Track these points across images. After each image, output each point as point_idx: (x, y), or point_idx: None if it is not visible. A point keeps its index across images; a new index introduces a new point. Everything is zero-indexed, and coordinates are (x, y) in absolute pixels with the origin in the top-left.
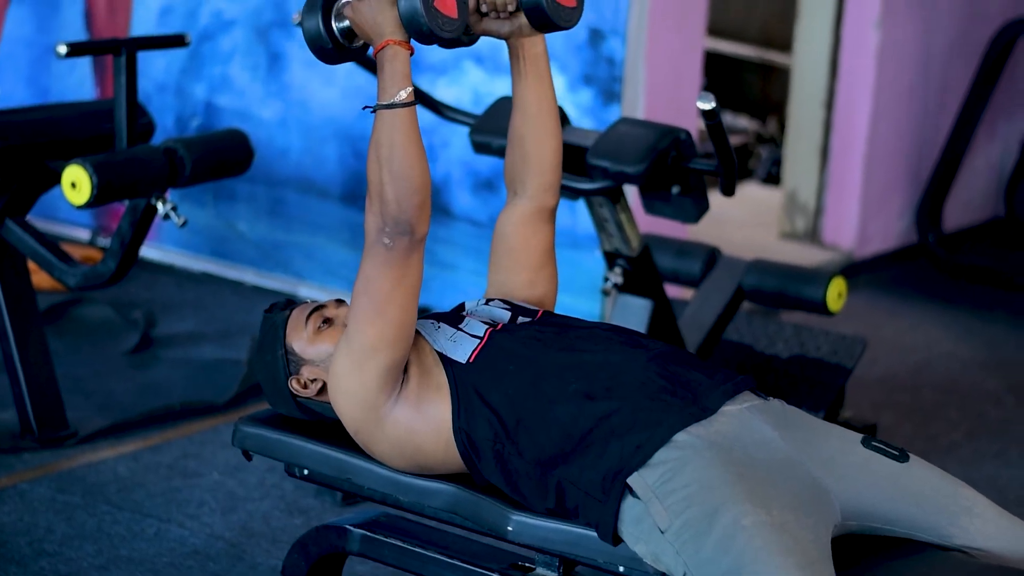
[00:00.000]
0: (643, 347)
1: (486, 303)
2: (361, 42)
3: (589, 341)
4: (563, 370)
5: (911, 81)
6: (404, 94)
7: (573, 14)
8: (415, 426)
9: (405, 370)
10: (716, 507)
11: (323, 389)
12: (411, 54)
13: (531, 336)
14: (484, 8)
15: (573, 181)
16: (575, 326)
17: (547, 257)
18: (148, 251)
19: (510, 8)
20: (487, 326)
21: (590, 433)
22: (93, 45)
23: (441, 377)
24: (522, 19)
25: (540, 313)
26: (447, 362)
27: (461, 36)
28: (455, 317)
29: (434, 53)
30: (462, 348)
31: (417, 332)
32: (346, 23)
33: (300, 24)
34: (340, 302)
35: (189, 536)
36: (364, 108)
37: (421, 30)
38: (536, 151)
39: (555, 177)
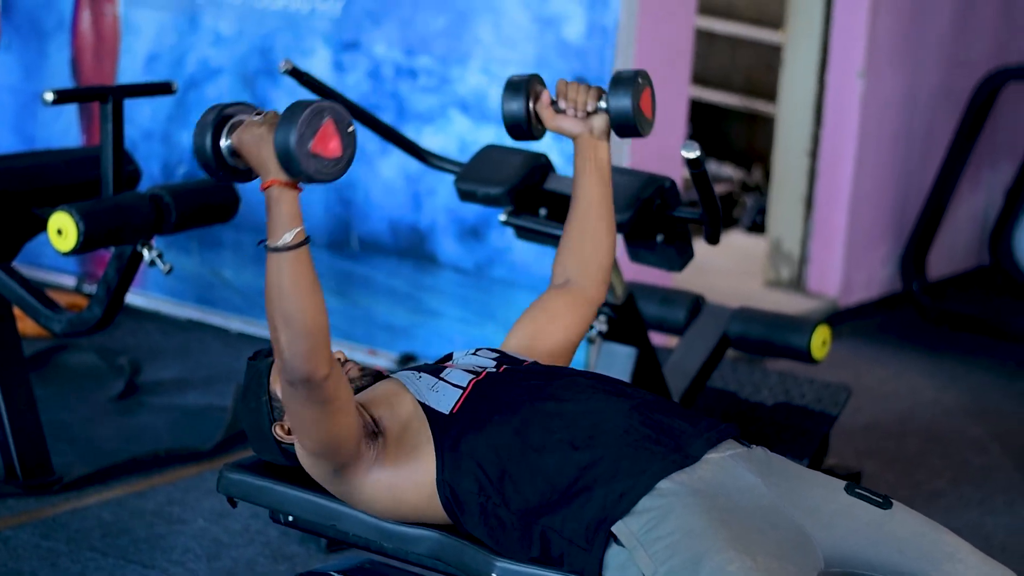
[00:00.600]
0: (626, 396)
1: (475, 352)
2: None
3: (572, 390)
4: (547, 419)
5: (895, 130)
6: (290, 236)
7: (650, 125)
8: (394, 482)
9: (383, 431)
10: (701, 554)
11: None
12: (299, 192)
13: (515, 385)
14: (563, 106)
15: (558, 229)
16: (559, 375)
17: (569, 348)
18: (134, 298)
19: (589, 109)
20: (471, 375)
21: (575, 483)
22: (79, 92)
23: (424, 430)
24: (595, 121)
25: (527, 362)
26: (430, 413)
27: (532, 131)
28: (437, 368)
29: (421, 101)
30: (445, 399)
31: (399, 384)
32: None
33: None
34: None
35: None
36: (258, 244)
37: (298, 175)
38: (592, 250)
39: (605, 274)
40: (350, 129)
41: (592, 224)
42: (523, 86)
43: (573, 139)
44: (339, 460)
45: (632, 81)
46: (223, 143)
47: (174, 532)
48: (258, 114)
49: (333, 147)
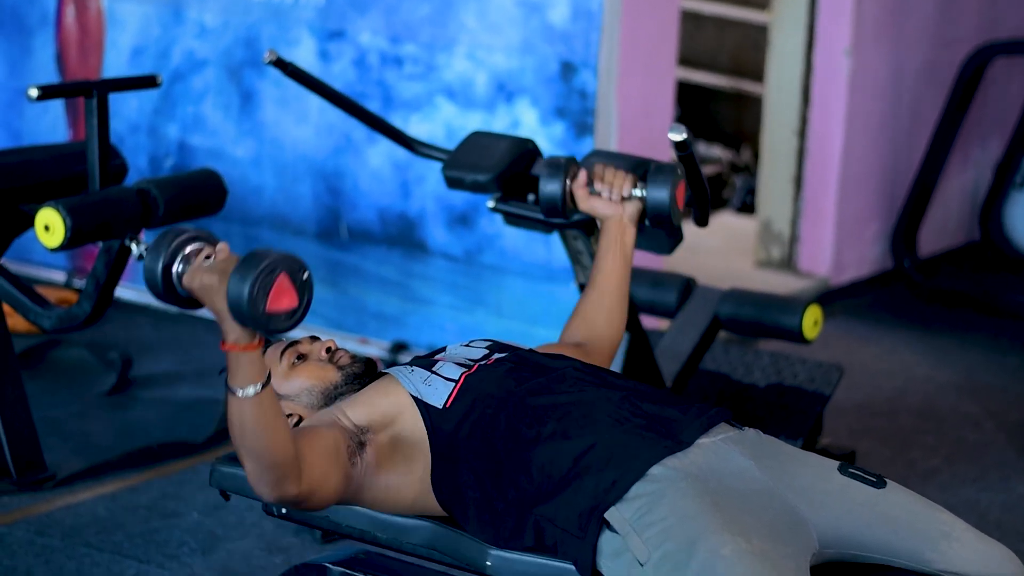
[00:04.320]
0: (616, 386)
1: (467, 344)
2: None
3: (564, 382)
4: (539, 411)
5: (883, 107)
6: (252, 390)
7: (681, 216)
8: (391, 484)
9: (367, 439)
10: (694, 538)
11: (299, 423)
12: (260, 347)
13: (506, 376)
14: (599, 188)
15: None
16: (549, 366)
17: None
18: (124, 292)
19: (625, 195)
20: (462, 368)
21: (568, 472)
22: (64, 87)
23: (418, 424)
24: (629, 206)
25: (521, 350)
26: (424, 407)
27: (565, 211)
28: (429, 361)
29: (407, 88)
30: (437, 392)
31: (393, 378)
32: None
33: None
34: (314, 338)
35: None
36: (220, 373)
37: (256, 330)
38: (605, 325)
39: (615, 349)
40: (304, 276)
41: (608, 302)
42: (562, 167)
43: (602, 220)
44: (339, 501)
45: (672, 173)
46: (175, 270)
47: (169, 526)
48: (208, 256)
49: (288, 301)
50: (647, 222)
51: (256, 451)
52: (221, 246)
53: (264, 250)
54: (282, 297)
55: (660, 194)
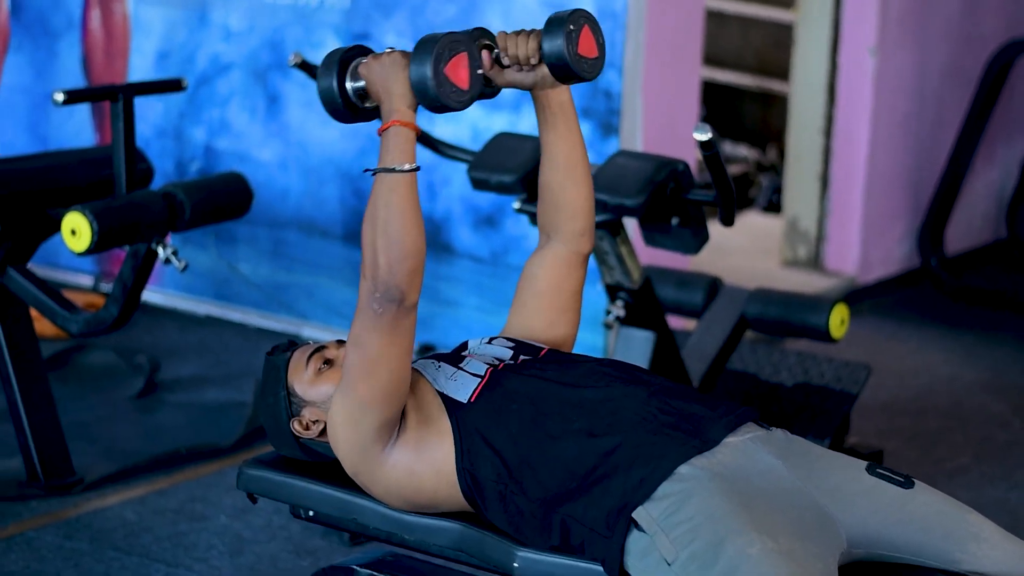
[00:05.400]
0: (644, 383)
1: (489, 341)
2: (375, 103)
3: (590, 378)
4: (565, 408)
5: (909, 105)
6: (408, 165)
7: (595, 65)
8: (415, 468)
9: (404, 414)
10: (722, 537)
11: (325, 430)
12: (417, 134)
13: (533, 374)
14: (506, 61)
15: None
16: (576, 362)
17: (573, 300)
18: (151, 296)
19: (532, 61)
20: (488, 365)
21: (594, 470)
22: (90, 92)
23: (443, 418)
24: (544, 70)
25: (544, 351)
26: (448, 402)
27: (483, 90)
28: (456, 357)
29: None
30: (463, 388)
31: (418, 372)
32: (361, 83)
33: (314, 78)
34: (341, 343)
35: None
36: (365, 171)
37: (430, 98)
38: (569, 199)
39: (589, 223)
40: (479, 71)
41: (566, 171)
42: (460, 46)
43: (532, 92)
44: (383, 415)
45: (564, 20)
46: (348, 85)
47: (197, 529)
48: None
49: (462, 76)
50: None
51: (398, 234)
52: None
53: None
54: (458, 69)
55: (555, 44)
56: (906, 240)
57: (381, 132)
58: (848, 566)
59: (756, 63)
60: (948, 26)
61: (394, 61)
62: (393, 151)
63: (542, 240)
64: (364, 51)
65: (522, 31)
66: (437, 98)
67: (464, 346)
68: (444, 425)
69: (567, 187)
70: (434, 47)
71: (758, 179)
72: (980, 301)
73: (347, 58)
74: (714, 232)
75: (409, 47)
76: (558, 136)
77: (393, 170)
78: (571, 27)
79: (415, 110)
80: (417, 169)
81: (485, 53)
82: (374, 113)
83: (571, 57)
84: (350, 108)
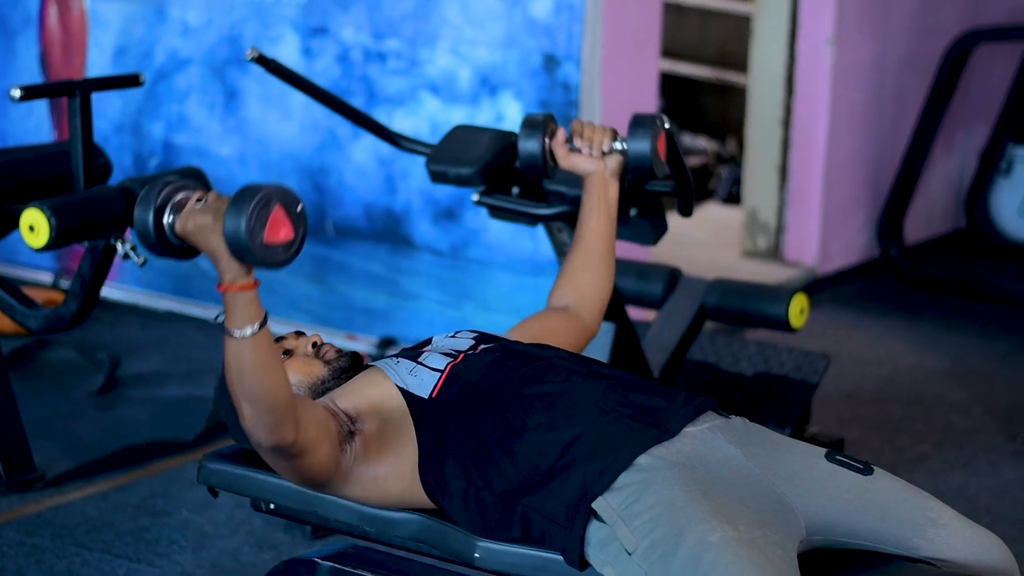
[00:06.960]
0: (602, 376)
1: (454, 335)
2: None
3: (549, 372)
4: (526, 402)
5: (867, 96)
6: (249, 330)
7: (663, 167)
8: (378, 475)
9: (362, 419)
10: (682, 526)
11: None
12: (256, 287)
13: (492, 366)
14: (578, 144)
15: (531, 207)
16: (536, 355)
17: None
18: (110, 292)
19: (605, 149)
20: (448, 358)
21: (555, 463)
22: (47, 88)
23: (405, 416)
24: (609, 161)
25: (507, 340)
26: (410, 398)
27: (546, 169)
28: (416, 352)
29: (391, 84)
30: (423, 383)
31: (379, 371)
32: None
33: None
34: (299, 333)
35: (160, 575)
36: (215, 319)
37: (259, 265)
38: (592, 283)
39: (604, 308)
40: (299, 208)
41: (595, 260)
42: (540, 124)
43: (584, 177)
44: (324, 481)
45: (651, 124)
46: (166, 220)
47: (158, 524)
48: (200, 199)
49: (285, 233)
50: (629, 176)
51: (254, 394)
52: (211, 192)
53: (255, 184)
54: (278, 229)
55: (641, 145)
56: (866, 230)
57: (219, 291)
58: (808, 553)
59: (715, 55)
60: (906, 16)
61: (208, 228)
62: (232, 315)
63: (556, 306)
64: (188, 186)
65: (592, 122)
66: (268, 266)
67: (428, 341)
68: (407, 424)
69: (593, 275)
70: (243, 223)
71: (717, 171)
72: (940, 290)
73: (167, 197)
74: (674, 224)
75: (367, 41)
76: (599, 226)
77: (233, 334)
78: (657, 124)
79: (251, 276)
80: (265, 321)
81: (561, 132)
82: (195, 252)
83: (652, 155)
84: (167, 246)
